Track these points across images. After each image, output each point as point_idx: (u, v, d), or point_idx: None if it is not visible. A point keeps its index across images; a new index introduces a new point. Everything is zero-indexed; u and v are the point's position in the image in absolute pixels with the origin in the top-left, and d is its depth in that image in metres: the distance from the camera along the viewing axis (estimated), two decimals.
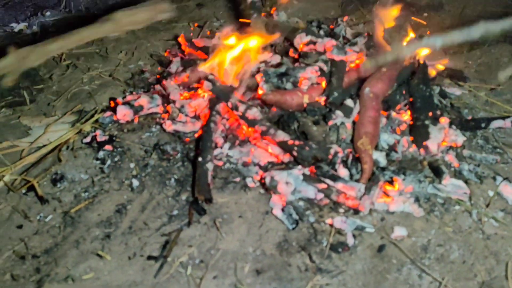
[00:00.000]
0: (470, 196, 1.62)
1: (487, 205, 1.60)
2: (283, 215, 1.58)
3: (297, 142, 1.70)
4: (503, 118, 1.90)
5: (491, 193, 1.64)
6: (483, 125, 1.90)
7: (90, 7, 3.36)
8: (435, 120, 1.79)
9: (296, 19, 2.67)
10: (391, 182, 1.65)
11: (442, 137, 1.75)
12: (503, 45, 2.54)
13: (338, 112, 1.81)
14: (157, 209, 1.69)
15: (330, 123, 1.80)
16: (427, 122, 1.79)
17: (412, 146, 1.80)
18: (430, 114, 1.81)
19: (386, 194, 1.63)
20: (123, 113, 2.05)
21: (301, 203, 1.64)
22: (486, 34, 1.60)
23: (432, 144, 1.72)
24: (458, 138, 1.77)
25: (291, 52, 2.13)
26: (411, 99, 1.92)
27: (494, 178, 1.69)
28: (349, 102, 1.85)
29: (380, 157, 1.72)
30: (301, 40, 2.10)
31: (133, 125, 2.08)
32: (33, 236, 1.61)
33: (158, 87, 2.24)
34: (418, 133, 1.79)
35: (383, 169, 1.72)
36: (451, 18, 2.86)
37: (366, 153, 1.68)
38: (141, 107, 2.08)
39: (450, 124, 1.84)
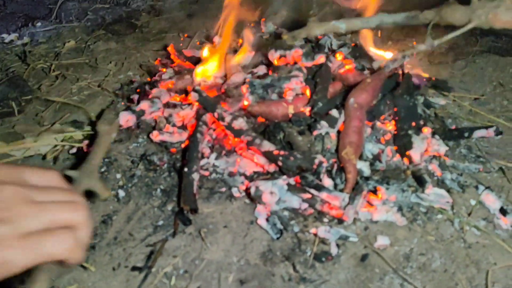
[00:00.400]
0: (452, 205, 1.64)
1: (469, 214, 1.62)
2: (267, 224, 1.59)
3: (282, 152, 1.71)
4: (486, 127, 1.93)
5: (473, 202, 1.65)
6: (466, 134, 1.93)
7: (81, 18, 3.38)
8: (418, 130, 1.81)
9: (283, 30, 2.70)
10: (374, 191, 1.67)
11: (425, 146, 1.77)
12: (487, 55, 2.58)
13: (323, 122, 1.83)
14: (142, 219, 1.69)
15: (315, 133, 1.81)
16: (410, 132, 1.81)
17: (396, 156, 1.82)
18: (413, 124, 1.83)
19: (369, 203, 1.64)
20: (126, 119, 2.06)
21: (285, 213, 1.65)
22: (381, 23, 1.79)
23: (415, 153, 1.74)
24: (440, 147, 1.80)
25: (270, 72, 2.16)
26: (395, 109, 1.94)
27: (476, 187, 1.71)
28: (334, 112, 1.87)
29: (364, 167, 1.74)
30: (273, 56, 2.14)
31: (120, 136, 2.09)
32: None
33: (154, 92, 2.23)
34: (401, 142, 1.81)
35: (367, 178, 1.73)
36: (437, 28, 2.89)
37: (350, 163, 1.69)
38: (142, 112, 2.09)
39: (433, 134, 1.86)
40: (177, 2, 3.63)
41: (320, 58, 2.10)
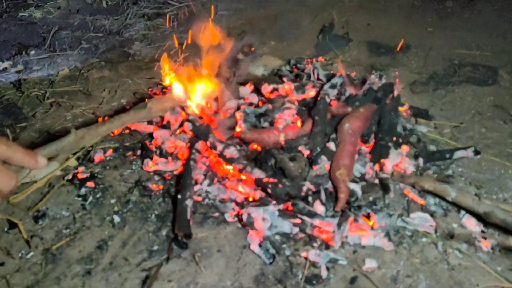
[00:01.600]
0: (435, 228, 1.72)
1: (452, 237, 1.69)
2: (260, 250, 1.65)
3: (271, 180, 1.78)
4: (465, 148, 2.04)
5: (455, 226, 1.74)
6: (447, 155, 2.03)
7: (74, 46, 3.45)
8: (397, 145, 1.93)
9: (270, 57, 2.80)
10: (367, 216, 1.73)
11: (398, 161, 1.88)
12: (466, 85, 2.71)
13: (323, 157, 1.89)
14: (137, 244, 1.73)
15: (315, 167, 1.87)
16: (390, 144, 1.93)
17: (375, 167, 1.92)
18: (394, 138, 1.95)
19: (360, 228, 1.71)
20: (160, 135, 2.19)
21: (277, 237, 1.71)
22: None
23: (389, 163, 1.87)
24: (410, 167, 1.93)
25: (261, 104, 2.25)
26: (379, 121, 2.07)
27: (458, 211, 1.79)
28: (331, 145, 1.93)
29: (357, 188, 1.81)
30: (266, 90, 2.24)
31: (115, 162, 2.14)
32: (15, 273, 1.63)
33: None
34: (378, 150, 1.95)
35: (356, 203, 1.80)
36: (418, 59, 3.05)
37: (344, 184, 1.77)
38: (169, 123, 2.22)
39: (417, 156, 1.99)
40: (169, 32, 3.74)
41: (310, 92, 2.20)
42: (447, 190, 1.78)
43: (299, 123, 2.05)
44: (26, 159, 0.86)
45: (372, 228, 1.71)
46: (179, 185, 1.89)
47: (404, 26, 3.52)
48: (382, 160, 1.90)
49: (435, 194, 1.83)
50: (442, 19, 3.71)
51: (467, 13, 3.81)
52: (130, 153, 2.20)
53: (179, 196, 1.80)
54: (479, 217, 1.71)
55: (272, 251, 1.65)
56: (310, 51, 3.30)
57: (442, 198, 1.80)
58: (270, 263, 1.61)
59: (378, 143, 1.99)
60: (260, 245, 1.66)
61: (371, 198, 1.83)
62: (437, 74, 2.85)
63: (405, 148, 1.98)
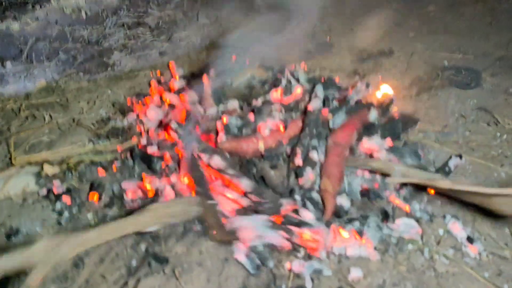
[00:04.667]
0: (422, 235, 1.68)
1: (438, 243, 1.66)
2: (246, 260, 1.59)
3: (254, 199, 1.74)
4: (459, 156, 2.02)
5: (441, 232, 1.70)
6: (447, 169, 1.99)
7: (52, 57, 3.37)
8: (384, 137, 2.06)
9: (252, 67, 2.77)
10: (360, 232, 1.69)
11: (374, 146, 1.99)
12: (449, 89, 2.69)
13: (308, 168, 1.86)
14: (115, 260, 1.67)
15: (301, 181, 1.84)
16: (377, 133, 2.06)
17: None
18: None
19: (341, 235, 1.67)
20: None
21: (261, 248, 1.65)
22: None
23: (366, 141, 2.00)
24: (379, 154, 1.99)
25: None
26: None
27: (444, 216, 1.76)
28: (314, 155, 1.90)
29: (345, 201, 1.78)
30: (258, 103, 2.26)
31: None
32: None
33: None
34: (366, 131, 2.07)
35: (350, 219, 1.75)
36: (401, 63, 3.03)
37: (327, 193, 1.74)
38: None
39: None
40: (149, 41, 3.68)
41: (297, 89, 2.24)
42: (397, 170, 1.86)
43: (281, 127, 2.01)
44: None
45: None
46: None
47: (386, 31, 3.50)
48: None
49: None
50: (424, 23, 3.71)
51: (449, 16, 3.81)
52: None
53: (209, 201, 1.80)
54: None
55: (257, 261, 1.59)
56: (293, 57, 3.26)
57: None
58: (255, 274, 1.55)
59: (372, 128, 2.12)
60: (246, 255, 1.60)
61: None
62: (420, 79, 2.83)
63: (387, 142, 2.04)
